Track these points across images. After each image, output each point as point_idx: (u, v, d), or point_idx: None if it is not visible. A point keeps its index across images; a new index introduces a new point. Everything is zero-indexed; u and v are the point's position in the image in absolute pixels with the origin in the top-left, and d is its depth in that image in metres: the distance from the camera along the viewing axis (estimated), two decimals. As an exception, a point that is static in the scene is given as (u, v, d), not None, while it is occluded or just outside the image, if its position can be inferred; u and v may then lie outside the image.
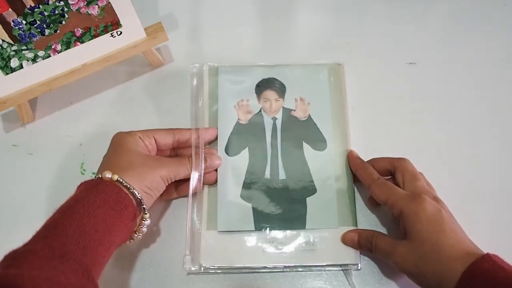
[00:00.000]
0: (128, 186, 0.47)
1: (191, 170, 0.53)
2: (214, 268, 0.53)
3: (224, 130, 0.58)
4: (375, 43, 0.66)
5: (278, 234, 0.54)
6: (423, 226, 0.46)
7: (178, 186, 0.56)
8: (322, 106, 0.60)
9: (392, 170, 0.53)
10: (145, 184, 0.49)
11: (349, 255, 0.53)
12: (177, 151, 0.57)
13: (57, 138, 0.61)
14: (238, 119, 0.59)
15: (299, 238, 0.53)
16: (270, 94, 0.60)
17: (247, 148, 0.57)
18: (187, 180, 0.54)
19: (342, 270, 0.53)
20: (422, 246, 0.46)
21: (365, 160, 0.56)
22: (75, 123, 0.62)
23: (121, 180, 0.47)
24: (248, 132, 0.58)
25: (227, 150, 0.57)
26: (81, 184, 0.49)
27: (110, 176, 0.47)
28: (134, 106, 0.63)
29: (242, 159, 0.57)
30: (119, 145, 0.51)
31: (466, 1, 0.68)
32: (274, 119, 0.59)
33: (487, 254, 0.43)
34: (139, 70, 0.65)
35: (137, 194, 0.47)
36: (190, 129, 0.56)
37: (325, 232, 0.54)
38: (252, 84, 0.61)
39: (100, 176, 0.47)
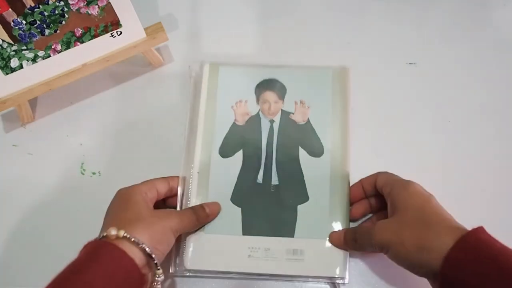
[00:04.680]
0: (137, 241, 0.43)
1: (197, 221, 0.51)
2: (199, 271, 0.51)
3: (220, 131, 0.57)
4: (375, 43, 0.65)
5: (265, 240, 0.52)
6: (409, 196, 0.46)
7: None
8: (323, 110, 0.57)
9: (378, 186, 0.51)
10: (155, 238, 0.45)
11: (336, 267, 0.50)
12: (166, 201, 0.54)
13: (57, 138, 0.61)
14: (235, 120, 0.57)
15: (287, 247, 0.51)
16: (270, 95, 0.59)
17: (241, 151, 0.56)
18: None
19: (328, 282, 0.52)
20: (406, 212, 0.45)
21: (356, 180, 0.54)
22: (75, 123, 0.62)
23: (128, 236, 0.43)
24: (244, 134, 0.57)
25: (221, 151, 0.56)
26: (85, 245, 0.44)
27: (115, 233, 0.43)
28: (134, 106, 0.63)
29: (236, 162, 0.55)
30: (125, 199, 0.49)
31: (466, 1, 0.68)
32: (272, 121, 0.57)
33: (480, 227, 0.42)
34: (139, 70, 0.65)
35: (147, 249, 0.43)
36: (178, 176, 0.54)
37: (314, 242, 0.51)
38: (252, 85, 0.59)
39: (104, 234, 0.43)
